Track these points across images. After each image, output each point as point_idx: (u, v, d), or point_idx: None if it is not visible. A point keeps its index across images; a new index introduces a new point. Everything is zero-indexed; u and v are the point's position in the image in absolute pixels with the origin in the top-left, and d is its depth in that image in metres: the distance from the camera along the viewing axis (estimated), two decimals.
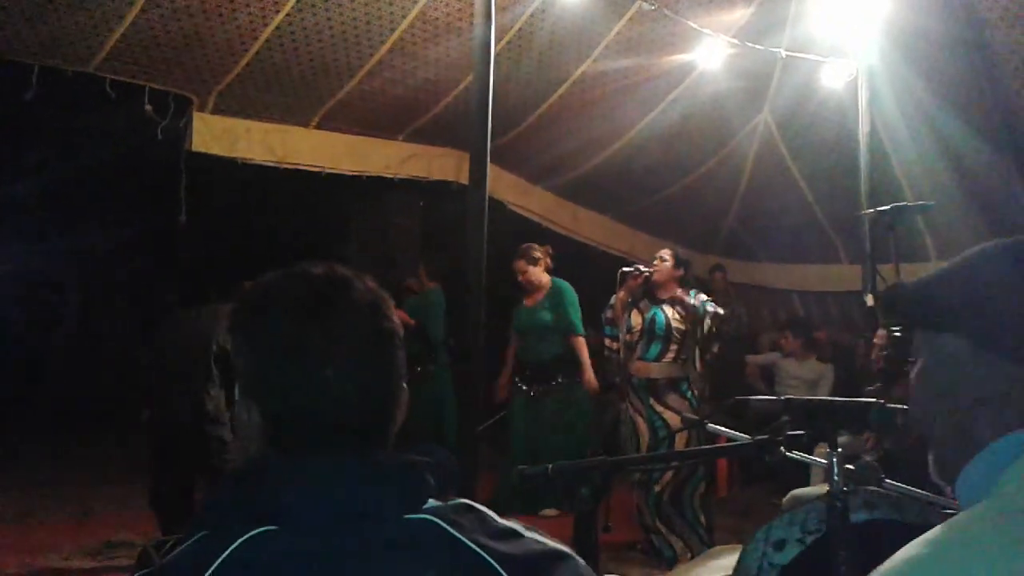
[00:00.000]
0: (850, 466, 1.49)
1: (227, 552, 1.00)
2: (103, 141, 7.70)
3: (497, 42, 4.58)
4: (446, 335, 7.01)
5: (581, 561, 1.15)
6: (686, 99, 6.66)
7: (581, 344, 6.17)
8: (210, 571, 0.99)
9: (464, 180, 4.98)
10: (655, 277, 5.27)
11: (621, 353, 5.32)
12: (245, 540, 1.01)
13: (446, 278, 7.01)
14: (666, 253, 5.41)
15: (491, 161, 4.39)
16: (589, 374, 6.13)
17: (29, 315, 10.75)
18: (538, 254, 6.20)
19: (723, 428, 3.09)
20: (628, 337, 5.31)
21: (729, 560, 2.35)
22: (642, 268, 5.28)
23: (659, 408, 5.17)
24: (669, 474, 5.10)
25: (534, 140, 6.80)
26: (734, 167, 7.77)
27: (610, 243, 8.28)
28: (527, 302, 6.27)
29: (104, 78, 5.12)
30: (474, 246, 4.29)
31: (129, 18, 4.76)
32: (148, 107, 5.35)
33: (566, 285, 6.24)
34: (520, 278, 6.20)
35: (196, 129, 5.61)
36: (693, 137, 7.21)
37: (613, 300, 5.40)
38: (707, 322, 5.19)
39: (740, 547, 2.45)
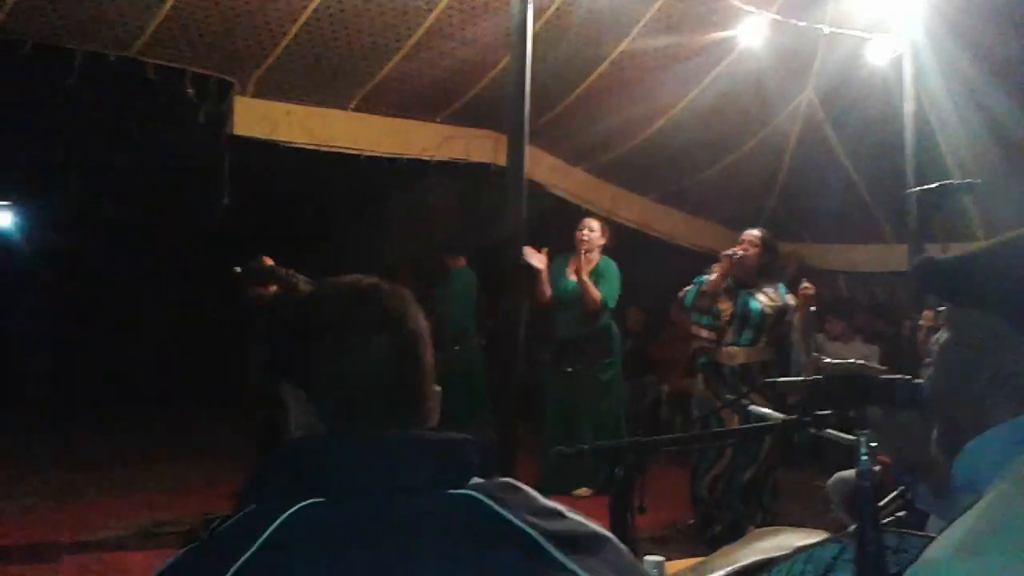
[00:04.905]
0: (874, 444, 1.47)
1: (276, 523, 1.03)
2: (146, 125, 7.80)
3: (535, 21, 4.55)
4: (483, 315, 7.00)
5: (623, 546, 1.18)
6: (727, 77, 6.57)
7: (598, 297, 6.14)
8: (260, 542, 1.02)
9: (502, 162, 4.97)
10: (743, 262, 5.16)
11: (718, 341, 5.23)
12: (294, 511, 1.04)
13: (470, 254, 7.04)
14: (756, 238, 5.28)
15: (529, 142, 4.38)
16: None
17: (73, 295, 10.95)
18: (606, 228, 6.36)
19: (763, 409, 3.07)
20: (715, 324, 5.24)
21: (771, 543, 2.33)
22: (739, 252, 5.17)
23: (757, 398, 4.99)
24: (755, 463, 5.08)
25: (572, 121, 6.76)
26: (776, 146, 7.67)
27: (650, 224, 8.22)
28: (571, 270, 6.27)
29: (146, 62, 5.18)
30: (512, 228, 4.28)
31: (170, 2, 4.80)
32: (190, 91, 5.40)
33: (615, 267, 6.25)
34: (583, 233, 6.20)
35: (237, 113, 5.66)
36: (734, 116, 7.12)
37: (704, 285, 5.26)
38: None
39: (782, 529, 2.43)
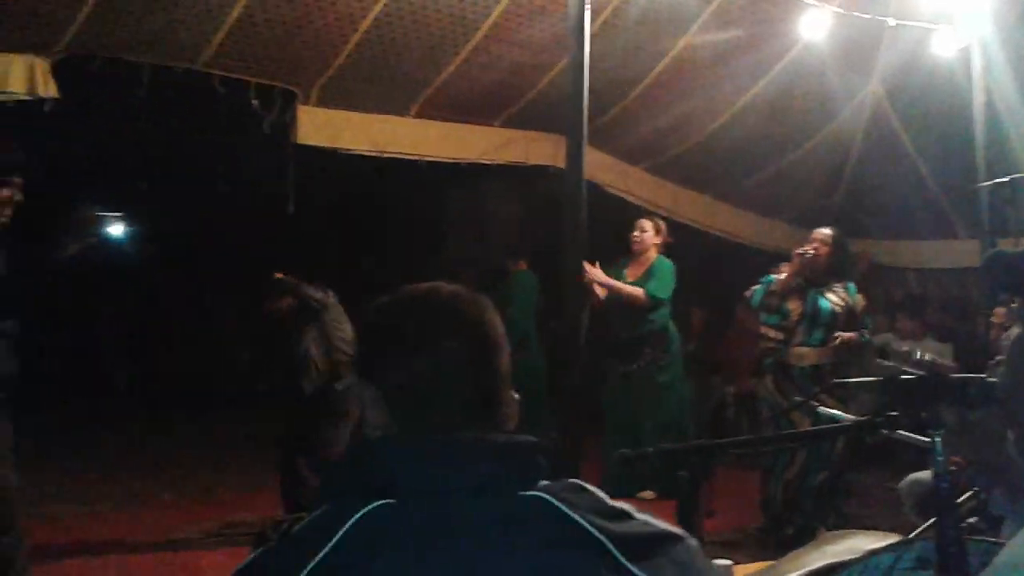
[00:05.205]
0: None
1: (349, 523, 1.06)
2: (213, 136, 7.97)
3: (592, 22, 4.53)
4: (544, 319, 6.98)
5: (694, 542, 1.19)
6: (790, 72, 6.47)
7: (639, 292, 6.08)
8: (333, 542, 1.05)
9: (561, 164, 4.97)
10: (814, 261, 5.08)
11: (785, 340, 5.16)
12: (366, 512, 1.07)
13: (531, 257, 7.03)
14: (827, 236, 5.20)
15: (588, 143, 4.36)
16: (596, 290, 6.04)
17: (147, 302, 11.24)
18: (662, 227, 6.34)
19: (834, 411, 3.01)
20: (783, 324, 5.17)
21: (840, 546, 2.29)
22: (810, 251, 5.12)
23: (831, 401, 4.85)
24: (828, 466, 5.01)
25: (631, 120, 6.72)
26: (842, 141, 7.52)
27: (712, 223, 8.11)
28: (628, 273, 6.27)
29: (212, 74, 5.28)
30: (572, 230, 4.27)
31: (234, 14, 4.89)
32: (255, 102, 5.50)
33: (669, 265, 6.21)
34: (635, 235, 6.22)
35: (300, 122, 5.74)
36: (798, 111, 7.00)
37: (773, 285, 5.21)
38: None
39: (852, 532, 2.38)
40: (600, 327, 6.41)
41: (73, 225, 3.49)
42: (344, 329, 5.48)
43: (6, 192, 3.42)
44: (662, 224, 6.43)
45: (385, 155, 6.21)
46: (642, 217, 6.53)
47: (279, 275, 5.64)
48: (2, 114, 4.65)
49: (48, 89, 4.71)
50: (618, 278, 6.29)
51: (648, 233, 6.28)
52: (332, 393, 5.36)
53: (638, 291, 6.09)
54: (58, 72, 4.78)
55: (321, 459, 5.25)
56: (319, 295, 5.54)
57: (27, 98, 4.67)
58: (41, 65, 4.70)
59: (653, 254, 6.27)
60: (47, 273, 3.53)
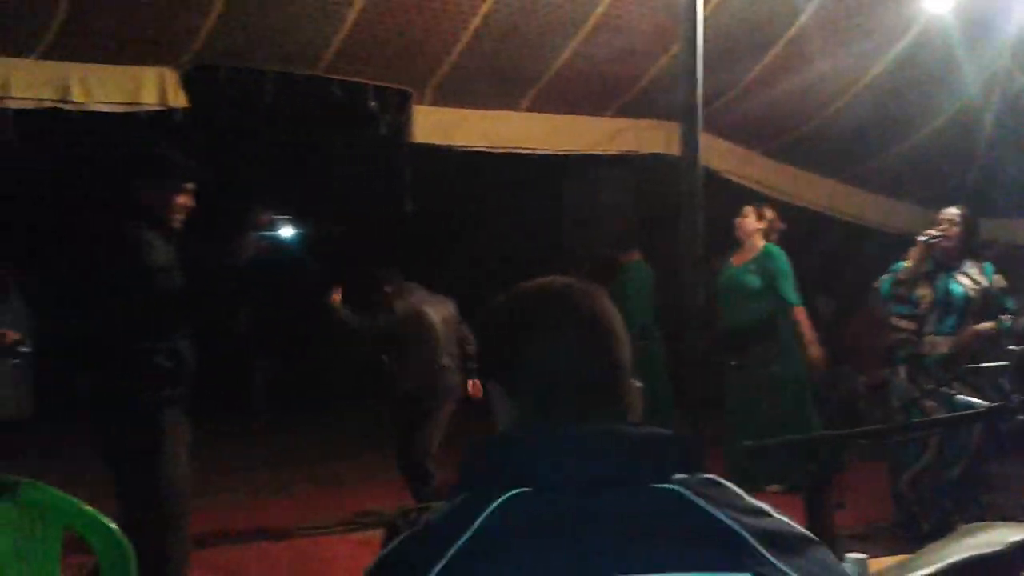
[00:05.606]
0: None
1: (488, 511, 1.07)
2: (333, 140, 8.20)
3: (705, 3, 4.45)
4: (662, 309, 6.91)
5: (830, 552, 1.16)
6: (914, 49, 6.19)
7: (800, 315, 5.94)
8: (472, 529, 1.06)
9: (675, 151, 4.90)
10: (943, 243, 4.88)
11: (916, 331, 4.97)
12: (504, 501, 1.08)
13: (647, 247, 6.97)
14: (956, 215, 4.99)
15: (703, 129, 4.29)
16: (813, 349, 5.89)
17: (269, 301, 11.66)
18: (768, 214, 6.22)
19: (969, 398, 2.88)
20: (914, 313, 4.98)
21: (981, 539, 2.18)
22: (935, 234, 4.91)
23: (966, 388, 4.49)
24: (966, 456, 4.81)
25: (747, 104, 6.56)
26: (973, 117, 7.15)
27: (838, 208, 7.84)
28: (734, 260, 6.15)
29: (331, 79, 5.44)
30: (688, 219, 4.21)
31: (350, 19, 5.01)
32: (372, 104, 5.63)
33: (778, 251, 6.07)
34: (738, 221, 6.12)
35: (416, 121, 5.84)
36: (925, 87, 6.69)
37: (901, 273, 5.02)
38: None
39: (993, 524, 2.27)
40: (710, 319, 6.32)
41: (249, 227, 3.65)
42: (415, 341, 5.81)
43: (182, 198, 3.61)
44: (766, 209, 6.29)
45: (498, 150, 6.26)
46: (760, 202, 6.40)
47: (335, 297, 6.13)
48: (137, 125, 4.90)
49: (178, 99, 4.94)
50: (726, 267, 6.21)
51: (749, 219, 6.17)
52: (408, 399, 5.75)
53: (805, 323, 5.99)
54: (187, 83, 5.00)
55: (412, 458, 5.52)
56: (347, 321, 6.03)
57: (159, 108, 4.90)
58: (171, 76, 4.93)
59: (758, 240, 6.14)
60: (216, 275, 3.69)
